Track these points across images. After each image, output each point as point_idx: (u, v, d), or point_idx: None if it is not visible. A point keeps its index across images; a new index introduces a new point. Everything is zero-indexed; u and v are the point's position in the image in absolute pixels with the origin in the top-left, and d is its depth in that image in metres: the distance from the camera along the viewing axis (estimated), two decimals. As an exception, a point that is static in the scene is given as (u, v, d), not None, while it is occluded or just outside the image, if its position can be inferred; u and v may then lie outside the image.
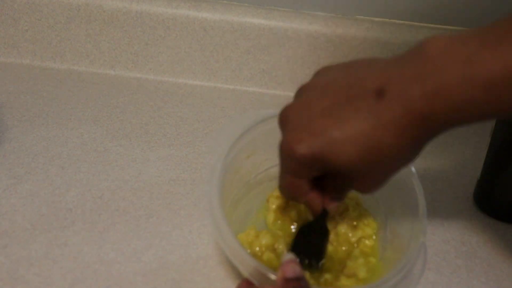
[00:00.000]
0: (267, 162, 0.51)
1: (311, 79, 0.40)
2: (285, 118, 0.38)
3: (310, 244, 0.44)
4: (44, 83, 0.70)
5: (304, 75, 0.72)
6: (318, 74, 0.40)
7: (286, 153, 0.37)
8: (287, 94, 0.73)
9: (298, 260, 0.38)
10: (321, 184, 0.41)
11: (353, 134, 0.34)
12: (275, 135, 0.48)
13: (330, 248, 0.46)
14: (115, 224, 0.50)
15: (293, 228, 0.47)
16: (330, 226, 0.46)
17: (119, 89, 0.70)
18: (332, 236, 0.46)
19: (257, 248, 0.44)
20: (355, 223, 0.47)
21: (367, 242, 0.46)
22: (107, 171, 0.56)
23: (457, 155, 0.65)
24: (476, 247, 0.51)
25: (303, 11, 0.70)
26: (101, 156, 0.58)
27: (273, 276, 0.37)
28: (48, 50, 0.73)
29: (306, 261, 0.43)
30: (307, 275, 0.42)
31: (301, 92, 0.39)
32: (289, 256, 0.38)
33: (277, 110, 0.49)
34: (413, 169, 0.46)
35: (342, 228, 0.46)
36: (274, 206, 0.47)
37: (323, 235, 0.45)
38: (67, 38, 0.72)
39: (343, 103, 0.35)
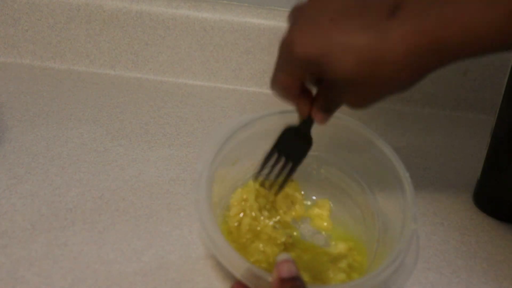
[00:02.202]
0: (254, 167, 0.51)
1: None
2: (295, 14, 0.38)
3: (291, 145, 0.45)
4: (44, 83, 0.70)
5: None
6: None
7: (285, 47, 0.37)
8: (287, 94, 0.73)
9: (292, 258, 0.38)
10: (313, 94, 0.40)
11: (357, 44, 0.33)
12: (260, 140, 0.48)
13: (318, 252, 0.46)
14: (115, 224, 0.50)
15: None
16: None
17: (119, 89, 0.70)
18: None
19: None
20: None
21: (356, 256, 0.46)
22: (107, 171, 0.56)
23: (457, 155, 0.65)
24: (476, 247, 0.51)
25: (303, 11, 0.70)
26: (101, 156, 0.58)
27: (267, 277, 0.37)
28: (48, 50, 0.73)
29: (283, 159, 0.45)
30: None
31: None
32: (284, 255, 0.38)
33: (257, 114, 0.49)
34: (395, 154, 0.46)
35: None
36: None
37: (306, 142, 0.46)
38: (67, 38, 0.72)
39: (355, 12, 0.34)
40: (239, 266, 0.39)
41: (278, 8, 0.70)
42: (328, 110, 0.42)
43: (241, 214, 0.46)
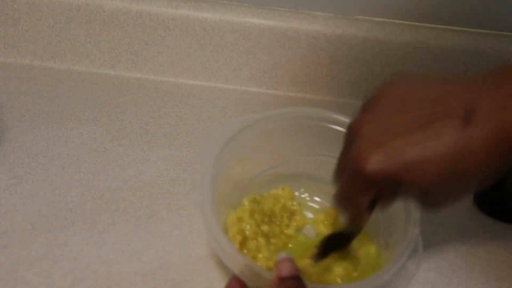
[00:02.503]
0: (259, 167, 0.51)
1: (382, 89, 0.37)
2: (358, 130, 0.35)
3: (329, 249, 0.44)
4: (44, 83, 0.70)
5: (304, 75, 0.72)
6: (389, 84, 0.37)
7: (357, 166, 0.34)
8: (287, 94, 0.73)
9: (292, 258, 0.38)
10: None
11: (436, 156, 0.32)
12: (265, 139, 0.48)
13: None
14: (115, 224, 0.50)
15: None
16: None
17: (119, 89, 0.70)
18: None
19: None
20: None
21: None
22: (107, 171, 0.56)
23: (457, 155, 0.65)
24: (476, 247, 0.51)
25: (303, 11, 0.70)
26: (101, 156, 0.58)
27: (264, 274, 0.37)
28: (48, 50, 0.73)
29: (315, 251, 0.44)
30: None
31: (373, 103, 0.36)
32: (283, 254, 0.38)
33: (262, 114, 0.49)
34: None
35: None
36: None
37: (341, 248, 0.45)
38: (67, 38, 0.72)
39: (426, 121, 0.33)
40: (237, 262, 0.39)
41: (278, 8, 0.70)
42: (388, 207, 0.41)
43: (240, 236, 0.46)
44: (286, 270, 0.36)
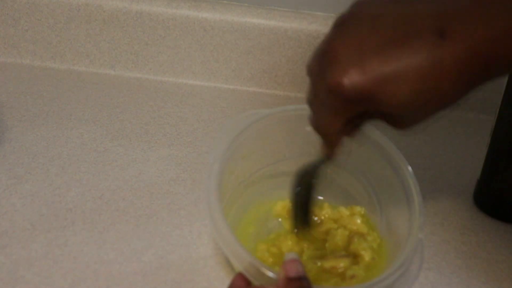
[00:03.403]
0: (261, 162, 0.51)
1: (353, 9, 0.37)
2: (332, 50, 0.35)
3: (308, 183, 0.45)
4: (44, 83, 0.70)
5: (304, 75, 0.71)
6: (361, 4, 0.37)
7: (332, 88, 0.34)
8: (287, 94, 0.73)
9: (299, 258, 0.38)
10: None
11: (409, 74, 0.32)
12: (268, 136, 0.48)
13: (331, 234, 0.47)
14: (115, 224, 0.50)
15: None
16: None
17: (119, 89, 0.70)
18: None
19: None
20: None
21: (359, 222, 0.47)
22: (107, 171, 0.56)
23: (457, 155, 0.65)
24: (476, 247, 0.51)
25: (303, 11, 0.70)
26: (101, 156, 0.58)
27: (269, 273, 0.37)
28: (48, 50, 0.73)
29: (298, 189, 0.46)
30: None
31: (345, 23, 0.36)
32: (291, 255, 0.38)
33: (268, 109, 0.49)
34: (409, 168, 0.46)
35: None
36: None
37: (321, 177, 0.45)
38: (67, 38, 0.72)
39: (400, 40, 0.33)
40: (243, 259, 0.39)
41: (278, 8, 0.70)
42: (357, 131, 0.41)
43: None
44: (293, 271, 0.36)
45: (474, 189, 0.57)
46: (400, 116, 0.36)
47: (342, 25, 0.36)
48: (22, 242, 0.47)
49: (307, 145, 0.50)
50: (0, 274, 0.44)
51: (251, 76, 0.73)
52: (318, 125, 0.39)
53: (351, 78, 0.33)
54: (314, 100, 0.39)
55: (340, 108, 0.36)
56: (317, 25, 0.69)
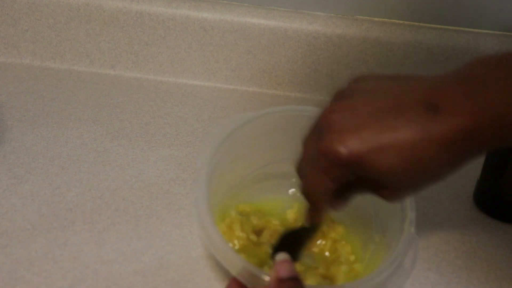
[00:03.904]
0: (252, 165, 0.51)
1: (351, 85, 0.39)
2: (328, 120, 0.37)
3: (293, 247, 0.44)
4: (44, 83, 0.70)
5: (304, 75, 0.72)
6: (358, 80, 0.39)
7: (327, 154, 0.36)
8: (287, 94, 0.73)
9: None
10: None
11: (400, 143, 0.34)
12: (258, 138, 0.48)
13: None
14: (115, 224, 0.50)
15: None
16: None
17: (119, 89, 0.71)
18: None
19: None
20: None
21: (344, 247, 0.47)
22: (107, 171, 0.56)
23: (457, 155, 0.65)
24: (476, 247, 0.51)
25: (303, 11, 0.70)
26: (101, 156, 0.58)
27: (262, 275, 0.37)
28: (48, 50, 0.73)
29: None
30: None
31: (342, 95, 0.38)
32: (282, 256, 0.38)
33: (253, 113, 0.49)
34: None
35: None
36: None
37: (307, 240, 0.45)
38: (67, 38, 0.72)
39: (393, 111, 0.35)
40: (235, 264, 0.39)
41: (278, 8, 0.70)
42: (347, 203, 0.42)
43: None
44: (285, 271, 0.36)
45: (474, 189, 0.57)
46: (390, 185, 0.36)
47: (338, 99, 0.38)
48: (22, 242, 0.47)
49: (296, 146, 0.50)
50: (0, 274, 0.44)
51: (251, 76, 0.73)
52: (308, 189, 0.40)
53: (346, 143, 0.35)
54: (305, 167, 0.39)
55: (331, 172, 0.37)
56: (317, 25, 0.69)
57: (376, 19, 0.69)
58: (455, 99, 0.33)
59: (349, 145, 0.35)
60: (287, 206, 0.51)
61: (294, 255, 0.43)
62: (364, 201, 0.49)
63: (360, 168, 0.35)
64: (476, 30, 0.68)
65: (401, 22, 0.69)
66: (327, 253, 0.47)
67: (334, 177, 0.37)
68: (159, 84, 0.72)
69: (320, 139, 0.37)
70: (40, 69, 0.73)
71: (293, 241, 0.44)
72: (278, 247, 0.43)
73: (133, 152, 0.59)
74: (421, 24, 0.69)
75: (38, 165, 0.56)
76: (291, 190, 0.52)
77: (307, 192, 0.40)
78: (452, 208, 0.56)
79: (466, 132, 0.33)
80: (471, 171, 0.58)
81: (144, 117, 0.65)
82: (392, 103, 0.35)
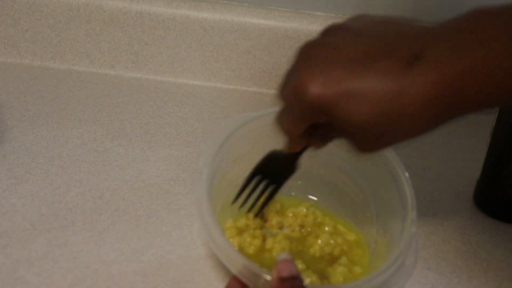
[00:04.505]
0: (253, 165, 0.51)
1: (345, 21, 0.37)
2: (305, 53, 0.35)
3: (275, 168, 0.45)
4: (44, 83, 0.70)
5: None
6: (353, 19, 0.37)
7: (295, 90, 0.34)
8: (287, 94, 0.73)
9: (292, 257, 0.38)
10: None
11: (374, 93, 0.31)
12: (260, 138, 0.48)
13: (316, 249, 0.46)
14: (115, 224, 0.50)
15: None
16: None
17: (119, 89, 0.70)
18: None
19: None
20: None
21: (355, 249, 0.47)
22: (107, 171, 0.56)
23: (457, 155, 0.65)
24: (476, 247, 0.51)
25: (303, 11, 0.70)
26: (101, 156, 0.58)
27: (263, 274, 0.37)
28: (48, 50, 0.73)
29: (264, 181, 0.46)
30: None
31: (331, 31, 0.36)
32: (284, 255, 0.38)
33: (255, 112, 0.49)
34: (395, 156, 0.46)
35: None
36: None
37: (290, 170, 0.45)
38: (67, 38, 0.72)
39: (373, 57, 0.32)
40: (236, 262, 0.39)
41: (278, 8, 0.70)
42: (325, 143, 0.41)
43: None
44: (286, 271, 0.36)
45: (474, 189, 0.57)
46: (360, 136, 0.34)
47: (327, 32, 0.36)
48: (22, 242, 0.47)
49: None
50: (0, 274, 0.44)
51: (251, 76, 0.73)
52: (279, 122, 0.39)
53: (315, 86, 0.33)
54: (281, 96, 0.38)
55: (300, 112, 0.35)
56: (317, 25, 0.69)
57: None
58: (443, 51, 0.31)
59: (317, 84, 0.33)
60: (289, 205, 0.51)
61: (275, 177, 0.45)
62: (365, 201, 0.49)
63: (326, 112, 0.33)
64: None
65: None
66: (323, 250, 0.47)
67: (302, 118, 0.35)
68: (159, 84, 0.72)
69: (293, 73, 0.35)
70: (40, 69, 0.73)
71: (275, 163, 0.44)
72: (261, 165, 0.45)
73: (133, 152, 0.59)
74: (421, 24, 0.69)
75: (38, 165, 0.56)
76: (293, 192, 0.52)
77: (278, 124, 0.39)
78: (452, 208, 0.56)
79: (451, 89, 0.30)
80: (471, 171, 0.58)
81: (144, 117, 0.65)
82: (375, 48, 0.33)
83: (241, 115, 0.49)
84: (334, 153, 0.50)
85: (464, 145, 0.66)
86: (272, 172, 0.46)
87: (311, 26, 0.69)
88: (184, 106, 0.68)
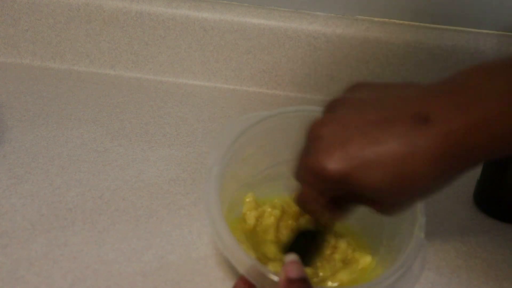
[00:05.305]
0: (263, 164, 0.51)
1: (344, 94, 0.38)
2: (316, 134, 0.36)
3: (305, 250, 0.44)
4: (44, 83, 0.70)
5: (304, 75, 0.72)
6: (352, 89, 0.39)
7: (314, 170, 0.35)
8: (287, 94, 0.73)
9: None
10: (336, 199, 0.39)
11: (386, 158, 0.33)
12: (268, 138, 0.48)
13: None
14: (115, 224, 0.50)
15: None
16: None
17: (119, 89, 0.70)
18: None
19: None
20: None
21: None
22: (107, 171, 0.56)
23: (457, 155, 0.65)
24: (476, 247, 0.51)
25: (303, 11, 0.70)
26: (101, 156, 0.58)
27: (271, 275, 0.37)
28: (48, 50, 0.73)
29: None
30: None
31: (333, 106, 0.37)
32: (291, 256, 0.38)
33: (268, 112, 0.49)
34: None
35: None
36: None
37: (319, 244, 0.45)
38: (67, 38, 0.72)
39: (381, 124, 0.34)
40: (244, 262, 0.39)
41: (278, 8, 0.70)
42: (346, 213, 0.42)
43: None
44: (294, 272, 0.36)
45: (474, 189, 0.57)
46: (379, 201, 0.36)
47: (330, 110, 0.38)
48: (22, 242, 0.47)
49: None
50: (0, 274, 0.44)
51: (251, 76, 0.73)
52: (300, 202, 0.40)
53: (332, 163, 0.34)
54: (300, 176, 0.39)
55: (320, 190, 0.37)
56: (317, 25, 0.69)
57: (376, 19, 0.69)
58: (446, 110, 0.32)
59: (334, 161, 0.34)
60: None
61: (306, 258, 0.43)
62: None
63: (346, 184, 0.34)
64: (476, 30, 0.68)
65: (401, 22, 0.69)
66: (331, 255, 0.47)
67: (322, 191, 0.37)
68: (159, 84, 0.72)
69: (307, 154, 0.36)
70: (40, 69, 0.73)
71: (305, 243, 0.44)
72: (291, 247, 0.43)
73: (133, 152, 0.59)
74: (421, 24, 0.69)
75: (38, 165, 0.56)
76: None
77: (301, 204, 0.40)
78: (452, 208, 0.56)
79: (457, 146, 0.31)
80: (471, 171, 0.58)
81: (144, 117, 0.65)
82: (381, 115, 0.34)
83: (253, 113, 0.49)
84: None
85: (464, 145, 0.66)
86: (302, 251, 0.45)
87: (311, 26, 0.69)
88: (184, 106, 0.68)
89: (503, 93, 0.31)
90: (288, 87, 0.73)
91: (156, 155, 0.59)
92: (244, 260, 0.39)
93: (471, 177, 0.57)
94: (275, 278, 0.37)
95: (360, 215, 0.49)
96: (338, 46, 0.69)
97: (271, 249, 0.45)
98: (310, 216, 0.42)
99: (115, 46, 0.72)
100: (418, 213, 0.43)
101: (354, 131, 0.34)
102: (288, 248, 0.44)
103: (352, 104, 0.36)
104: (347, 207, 0.40)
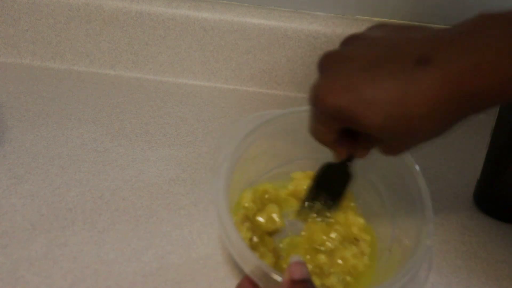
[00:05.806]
0: (270, 164, 0.51)
1: (364, 31, 0.38)
2: (325, 63, 0.37)
3: (331, 183, 0.46)
4: (44, 83, 0.70)
5: (304, 75, 0.72)
6: (372, 28, 0.39)
7: (314, 100, 0.36)
8: (287, 94, 0.73)
9: (304, 261, 0.38)
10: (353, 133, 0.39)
11: (383, 98, 0.32)
12: (277, 137, 0.48)
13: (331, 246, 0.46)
14: (115, 224, 0.50)
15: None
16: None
17: (119, 89, 0.70)
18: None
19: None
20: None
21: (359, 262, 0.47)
22: (107, 171, 0.56)
23: (457, 155, 0.65)
24: (476, 247, 0.51)
25: (303, 11, 0.70)
26: (101, 156, 0.58)
27: (275, 276, 0.37)
28: (48, 50, 0.73)
29: (323, 201, 0.47)
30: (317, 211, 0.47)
31: (349, 41, 0.38)
32: (296, 257, 0.38)
33: (279, 110, 0.49)
34: (417, 167, 0.46)
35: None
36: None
37: (345, 179, 0.46)
38: (67, 38, 0.72)
39: (383, 62, 0.34)
40: (249, 262, 0.39)
41: (278, 8, 0.70)
42: (368, 151, 0.42)
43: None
44: (298, 273, 0.36)
45: (474, 189, 0.57)
46: (382, 140, 0.36)
47: (345, 43, 0.38)
48: (22, 242, 0.47)
49: (316, 147, 0.50)
50: (0, 274, 0.44)
51: (251, 76, 0.73)
52: (310, 128, 0.41)
53: (331, 93, 0.35)
54: (309, 104, 0.39)
55: (323, 117, 0.37)
56: (317, 25, 0.69)
57: (376, 19, 0.69)
58: (449, 53, 0.32)
59: (331, 94, 0.34)
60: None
61: (333, 189, 0.46)
62: (382, 210, 0.49)
63: (344, 118, 0.35)
64: (476, 30, 0.68)
65: (401, 22, 0.69)
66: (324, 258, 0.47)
67: (325, 122, 0.37)
68: (159, 84, 0.72)
69: (315, 82, 0.37)
70: (40, 69, 0.73)
71: (331, 175, 0.46)
72: (320, 179, 0.46)
73: (133, 152, 0.59)
74: (421, 24, 0.69)
75: (38, 165, 0.56)
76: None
77: (310, 130, 0.40)
78: (452, 208, 0.56)
79: (457, 89, 0.31)
80: (471, 171, 0.58)
81: (144, 117, 0.65)
82: (386, 54, 0.34)
83: (264, 112, 0.49)
84: (363, 161, 0.50)
85: (464, 145, 0.66)
86: (330, 183, 0.47)
87: (311, 26, 0.69)
88: (184, 106, 0.68)
89: (507, 39, 0.30)
90: (288, 87, 0.73)
91: (156, 155, 0.59)
92: (250, 260, 0.39)
93: (471, 177, 0.57)
94: (279, 278, 0.37)
95: (369, 221, 0.50)
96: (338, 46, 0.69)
97: (293, 203, 0.47)
98: (325, 146, 0.41)
99: (115, 46, 0.72)
100: (425, 220, 0.43)
101: (358, 66, 0.34)
102: (315, 181, 0.46)
103: (365, 41, 0.36)
104: (365, 144, 0.41)
